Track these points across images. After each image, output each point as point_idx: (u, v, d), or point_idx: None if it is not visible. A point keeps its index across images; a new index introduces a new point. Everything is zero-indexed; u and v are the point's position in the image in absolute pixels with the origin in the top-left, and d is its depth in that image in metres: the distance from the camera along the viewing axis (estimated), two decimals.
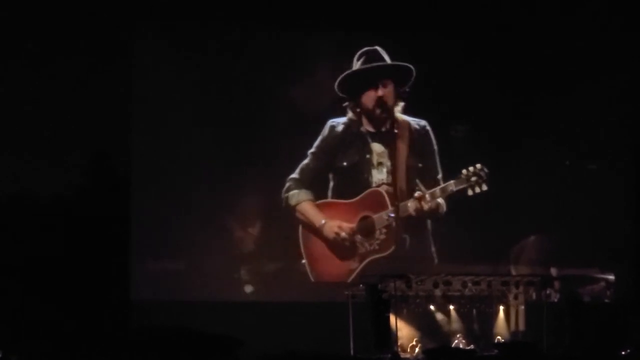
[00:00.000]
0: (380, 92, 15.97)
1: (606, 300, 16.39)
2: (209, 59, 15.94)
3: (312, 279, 15.94)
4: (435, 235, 16.12)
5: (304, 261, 15.94)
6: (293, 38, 16.25)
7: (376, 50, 16.09)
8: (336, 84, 15.94)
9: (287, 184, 15.96)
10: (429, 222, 16.13)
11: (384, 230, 15.92)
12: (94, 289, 14.73)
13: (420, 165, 16.17)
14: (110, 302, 14.76)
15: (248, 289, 15.85)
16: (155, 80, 15.75)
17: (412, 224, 15.97)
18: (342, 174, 16.12)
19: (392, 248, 15.89)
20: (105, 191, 15.28)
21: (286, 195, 15.95)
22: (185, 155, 15.75)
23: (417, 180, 15.89)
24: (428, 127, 16.27)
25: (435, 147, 16.26)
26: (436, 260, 16.08)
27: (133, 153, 15.62)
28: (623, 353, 14.43)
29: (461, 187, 15.73)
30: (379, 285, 14.54)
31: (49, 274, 14.66)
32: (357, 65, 16.09)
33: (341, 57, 16.17)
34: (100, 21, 15.20)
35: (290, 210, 15.97)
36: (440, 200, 15.91)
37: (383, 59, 16.12)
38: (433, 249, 16.13)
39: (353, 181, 16.16)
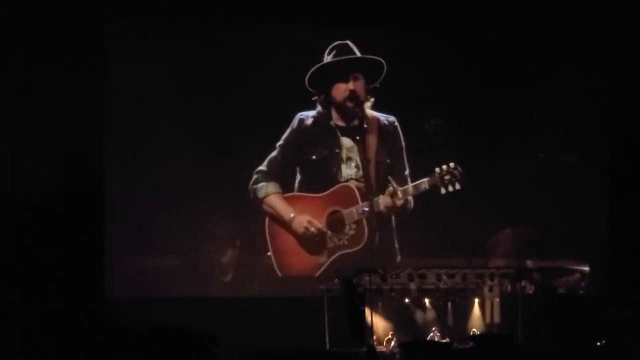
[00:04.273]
0: (351, 86, 15.92)
1: (581, 292, 16.41)
2: (182, 56, 15.81)
3: (278, 273, 15.87)
4: (408, 229, 16.10)
5: (269, 253, 15.85)
6: (265, 32, 16.18)
7: (347, 44, 16.04)
8: (307, 78, 15.88)
9: (255, 177, 15.89)
10: (396, 216, 16.09)
11: (353, 226, 15.88)
12: (69, 286, 14.58)
13: (388, 161, 16.13)
14: (85, 299, 14.62)
15: (223, 283, 15.78)
16: (127, 78, 15.65)
17: (382, 219, 15.93)
18: (310, 168, 16.05)
19: (362, 244, 15.86)
20: (79, 189, 15.11)
21: (254, 187, 15.89)
22: (158, 152, 15.62)
23: (390, 177, 15.80)
24: (397, 123, 16.22)
25: (404, 144, 16.19)
26: (407, 255, 16.03)
27: (106, 150, 15.48)
28: (598, 344, 14.45)
29: (434, 185, 15.68)
30: (354, 279, 14.48)
31: (23, 272, 14.50)
32: (327, 59, 16.02)
33: (312, 51, 16.09)
34: (72, 20, 15.01)
35: (258, 203, 15.87)
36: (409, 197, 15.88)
37: (353, 53, 16.07)
38: (399, 244, 16.10)
39: (321, 175, 16.09)
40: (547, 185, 16.41)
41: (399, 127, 16.21)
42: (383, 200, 15.72)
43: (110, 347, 12.29)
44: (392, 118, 16.20)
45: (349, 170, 16.09)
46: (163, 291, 15.26)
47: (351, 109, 15.96)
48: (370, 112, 16.08)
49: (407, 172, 16.11)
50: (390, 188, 15.70)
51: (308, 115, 16.10)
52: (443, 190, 15.68)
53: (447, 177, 15.64)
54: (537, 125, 16.60)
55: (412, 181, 15.92)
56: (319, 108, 16.07)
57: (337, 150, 16.09)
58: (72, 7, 15.03)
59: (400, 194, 15.68)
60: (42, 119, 14.98)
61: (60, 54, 14.99)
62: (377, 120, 16.16)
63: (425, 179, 15.72)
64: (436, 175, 15.68)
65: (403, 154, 16.19)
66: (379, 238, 15.95)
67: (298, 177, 16.02)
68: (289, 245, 15.93)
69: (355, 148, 16.07)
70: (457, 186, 15.66)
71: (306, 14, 16.02)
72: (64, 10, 14.99)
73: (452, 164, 15.69)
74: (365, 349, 13.85)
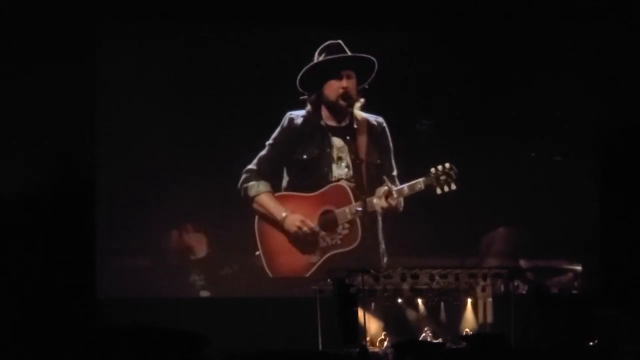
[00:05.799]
0: (344, 83, 15.87)
1: (574, 292, 16.47)
2: (173, 57, 15.78)
3: (268, 272, 15.78)
4: (400, 230, 16.00)
5: (258, 253, 15.75)
6: (256, 33, 16.12)
7: (339, 44, 15.99)
8: (298, 78, 15.80)
9: (245, 175, 15.80)
10: (383, 218, 15.95)
11: (346, 225, 15.83)
12: (61, 287, 14.51)
13: (379, 161, 16.09)
14: (77, 300, 14.56)
15: (214, 284, 15.68)
16: (118, 79, 15.58)
17: (373, 219, 15.84)
18: (300, 167, 15.99)
19: (355, 243, 15.81)
20: (70, 189, 15.06)
21: (245, 186, 15.80)
22: (150, 153, 15.53)
23: (385, 177, 15.76)
24: (385, 124, 16.18)
25: (391, 144, 16.16)
26: (400, 255, 15.92)
27: (97, 151, 15.41)
28: (590, 344, 14.46)
29: (430, 185, 15.66)
30: (347, 280, 14.45)
31: (15, 272, 14.43)
32: (318, 60, 15.94)
33: (302, 51, 16.03)
34: (63, 19, 14.93)
35: (249, 202, 15.82)
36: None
37: (345, 52, 16.00)
38: (386, 245, 15.99)
39: (312, 175, 16.03)
40: (540, 186, 16.41)
41: (386, 128, 16.19)
42: (377, 200, 15.68)
43: (102, 348, 12.25)
44: (380, 119, 16.19)
45: (339, 170, 16.05)
46: (155, 292, 15.21)
47: (344, 107, 15.91)
48: (359, 112, 16.07)
49: (394, 172, 16.08)
50: (386, 188, 15.66)
51: (298, 115, 16.04)
52: (439, 191, 15.68)
53: (442, 178, 15.64)
54: (529, 125, 16.58)
55: (400, 182, 15.90)
56: (308, 107, 16.02)
57: (327, 150, 16.06)
58: (63, 7, 14.96)
59: (395, 194, 15.65)
60: (32, 121, 14.91)
61: (51, 54, 14.92)
62: (367, 120, 16.13)
63: (421, 179, 15.71)
64: (432, 175, 15.67)
65: (391, 155, 16.16)
66: (372, 238, 15.86)
67: (286, 176, 15.95)
68: (279, 245, 15.86)
69: (346, 148, 16.04)
70: (453, 186, 15.66)
71: (297, 15, 15.98)
72: (55, 11, 14.93)
73: (447, 165, 15.69)
74: (357, 349, 13.85)
